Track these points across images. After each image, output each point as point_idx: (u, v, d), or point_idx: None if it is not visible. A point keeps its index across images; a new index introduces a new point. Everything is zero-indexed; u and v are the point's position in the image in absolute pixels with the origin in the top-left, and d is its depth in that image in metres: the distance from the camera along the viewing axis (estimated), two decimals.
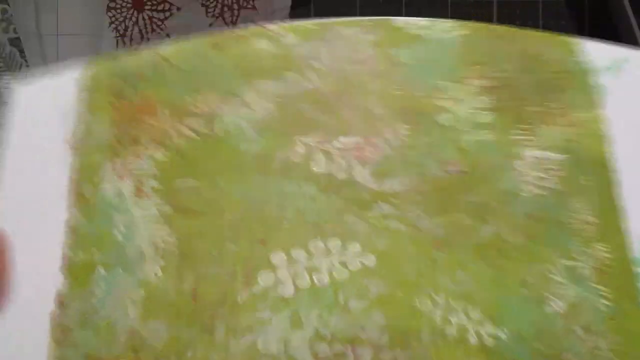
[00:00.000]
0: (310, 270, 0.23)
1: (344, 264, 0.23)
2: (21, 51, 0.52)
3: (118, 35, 0.54)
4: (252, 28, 0.26)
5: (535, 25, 0.53)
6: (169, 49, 0.26)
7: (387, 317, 0.22)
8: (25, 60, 0.52)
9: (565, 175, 0.25)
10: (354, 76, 0.26)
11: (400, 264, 0.23)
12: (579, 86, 0.26)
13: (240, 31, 0.27)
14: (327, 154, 0.24)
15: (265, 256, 0.23)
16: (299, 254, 0.23)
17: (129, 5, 0.55)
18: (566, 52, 0.27)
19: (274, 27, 0.27)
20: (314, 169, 0.24)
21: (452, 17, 0.54)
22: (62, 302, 0.23)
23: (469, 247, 0.23)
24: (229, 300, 0.22)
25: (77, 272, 0.23)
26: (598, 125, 0.26)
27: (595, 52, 0.27)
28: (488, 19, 0.53)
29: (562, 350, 0.22)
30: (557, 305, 0.23)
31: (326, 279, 0.23)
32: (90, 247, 0.23)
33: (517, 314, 0.22)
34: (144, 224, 0.24)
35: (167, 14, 0.55)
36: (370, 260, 0.23)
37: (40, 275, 0.23)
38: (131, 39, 0.54)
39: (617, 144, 0.25)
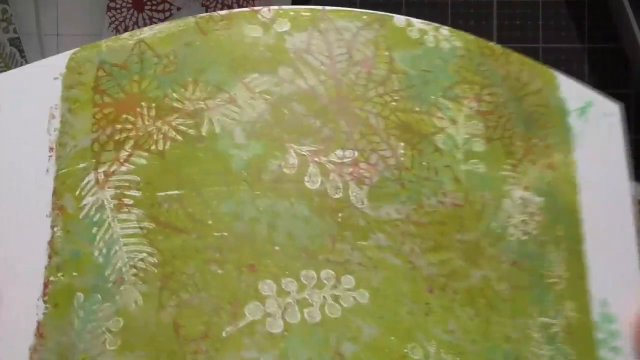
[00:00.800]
0: (302, 305, 0.21)
1: (336, 299, 0.21)
2: (21, 51, 0.52)
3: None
4: (243, 11, 0.23)
5: (535, 26, 0.53)
6: (152, 34, 0.23)
7: None
8: (25, 60, 0.52)
9: (545, 222, 0.23)
10: (352, 79, 0.24)
11: (394, 304, 0.22)
12: (558, 125, 0.24)
13: (229, 14, 0.23)
14: (322, 167, 0.23)
15: (254, 285, 0.21)
16: (289, 284, 0.21)
17: (129, 5, 0.55)
18: (549, 86, 0.25)
19: (265, 11, 0.24)
20: (308, 184, 0.22)
21: (452, 17, 0.54)
22: (41, 334, 0.21)
23: (460, 293, 0.22)
24: (212, 334, 0.20)
25: (57, 299, 0.21)
26: (572, 170, 0.24)
27: (569, 90, 0.25)
28: (488, 19, 0.53)
29: None
30: None
31: (318, 316, 0.21)
32: (71, 271, 0.21)
33: None
34: (125, 241, 0.21)
35: (167, 14, 0.55)
36: (364, 297, 0.21)
37: (22, 303, 0.21)
38: None
39: (583, 196, 0.24)
